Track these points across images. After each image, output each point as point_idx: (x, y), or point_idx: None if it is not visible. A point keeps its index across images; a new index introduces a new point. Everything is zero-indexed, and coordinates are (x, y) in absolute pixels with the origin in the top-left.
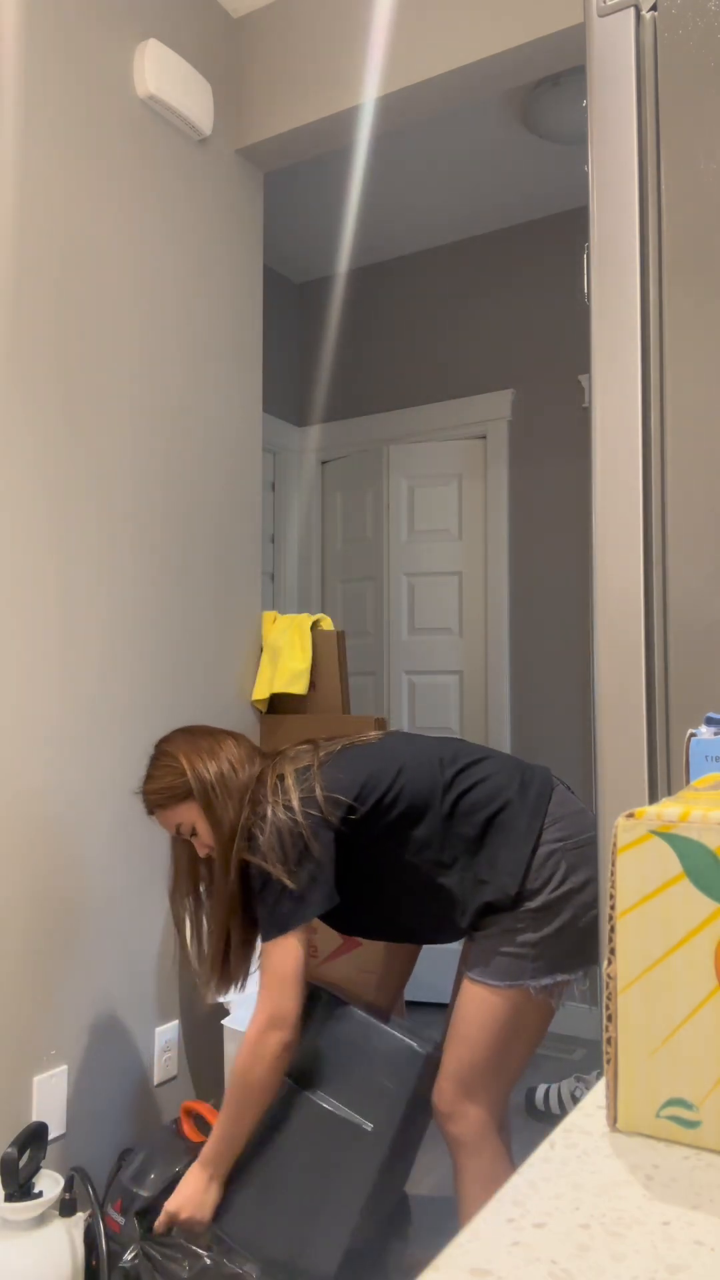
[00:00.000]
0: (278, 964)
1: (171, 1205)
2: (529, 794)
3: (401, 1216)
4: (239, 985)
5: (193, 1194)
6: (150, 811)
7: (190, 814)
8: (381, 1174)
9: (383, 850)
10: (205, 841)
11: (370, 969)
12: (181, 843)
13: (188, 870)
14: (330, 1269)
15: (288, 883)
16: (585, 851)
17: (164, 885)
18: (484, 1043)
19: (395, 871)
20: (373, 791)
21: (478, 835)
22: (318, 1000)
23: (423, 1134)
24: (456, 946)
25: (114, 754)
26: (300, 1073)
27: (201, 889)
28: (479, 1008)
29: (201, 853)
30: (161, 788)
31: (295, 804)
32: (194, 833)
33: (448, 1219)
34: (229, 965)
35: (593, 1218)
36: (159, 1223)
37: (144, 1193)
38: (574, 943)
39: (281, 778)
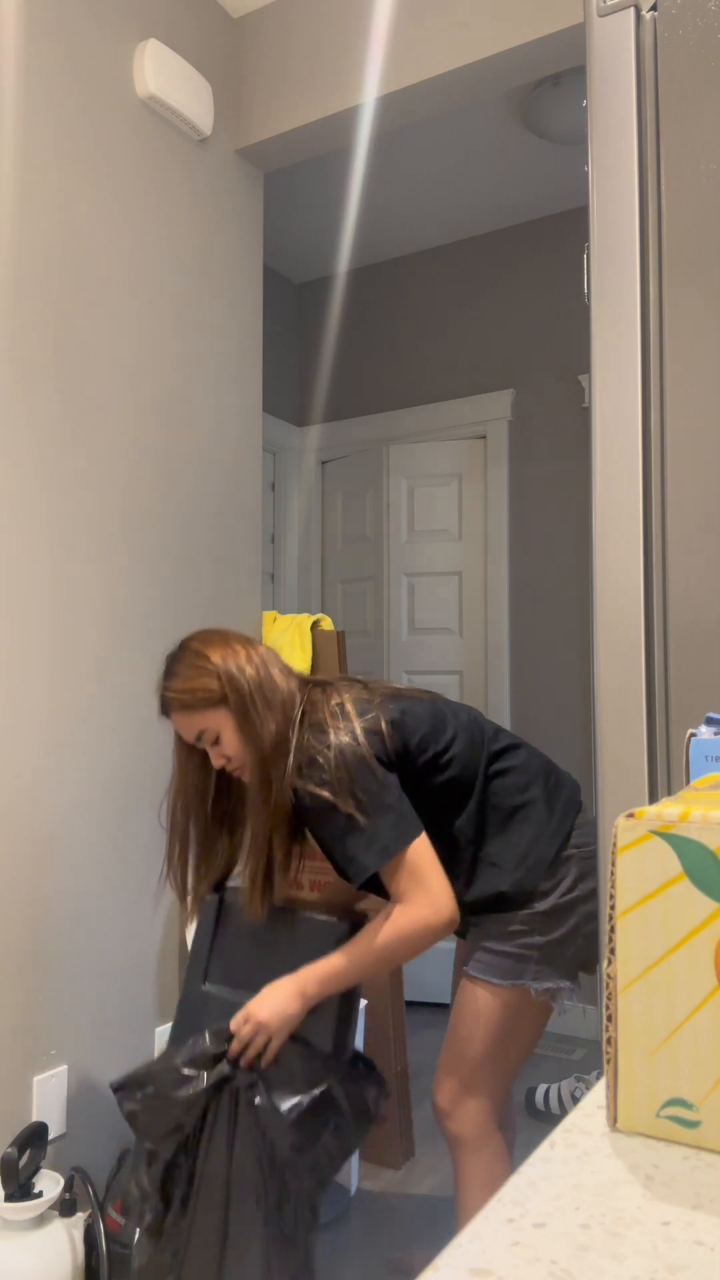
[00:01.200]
0: (405, 872)
1: (253, 1012)
2: (559, 796)
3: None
4: (268, 903)
5: (282, 1007)
6: (166, 712)
7: (218, 721)
8: (335, 1045)
9: (417, 807)
10: (228, 752)
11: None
12: (190, 751)
13: (196, 782)
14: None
15: (358, 815)
16: (595, 861)
17: (163, 883)
18: (482, 1040)
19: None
20: (430, 744)
21: (499, 821)
22: (232, 904)
23: (357, 1003)
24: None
25: (112, 753)
26: (232, 974)
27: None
28: (478, 1005)
29: (217, 764)
30: (190, 688)
31: (359, 733)
32: (216, 741)
33: (447, 1219)
34: (270, 881)
35: (593, 1218)
36: (232, 1025)
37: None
38: (577, 950)
39: (342, 705)
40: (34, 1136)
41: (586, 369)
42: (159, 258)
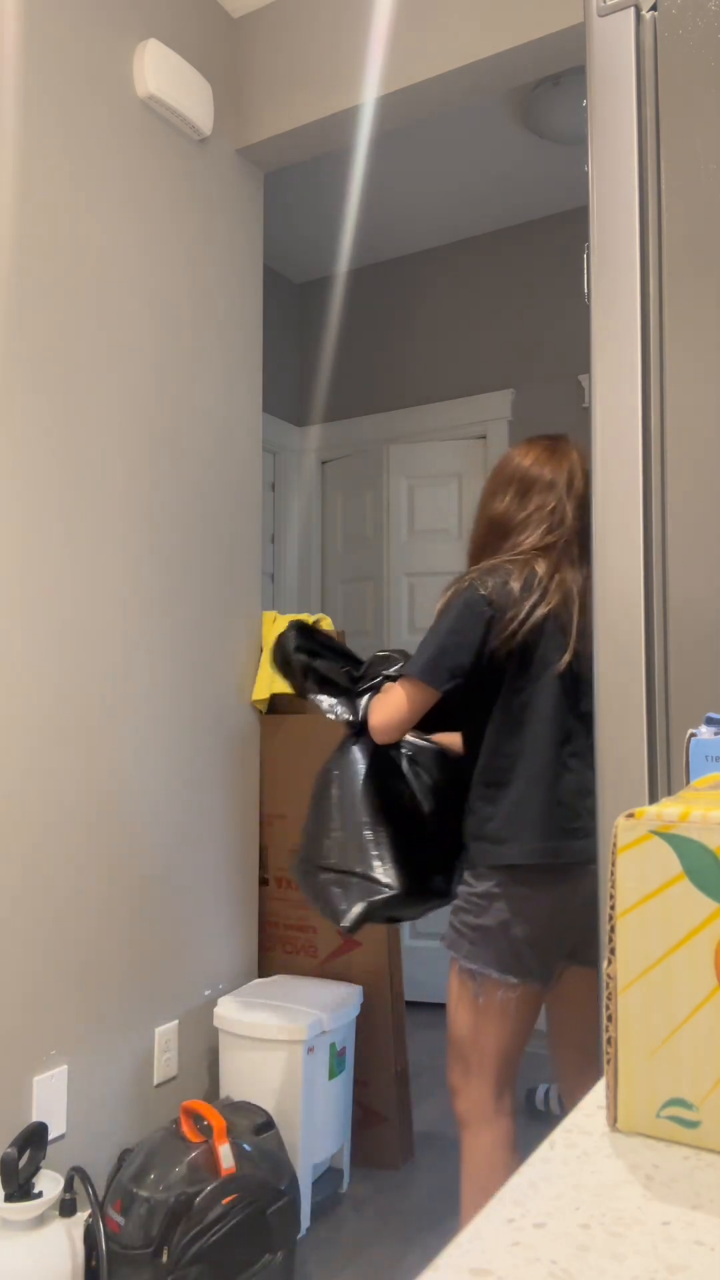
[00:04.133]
0: (398, 687)
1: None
2: (551, 824)
3: None
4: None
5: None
6: None
7: None
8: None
9: (470, 710)
10: None
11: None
12: None
13: None
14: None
15: (429, 634)
16: (546, 874)
17: (161, 883)
18: (456, 1014)
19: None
20: (522, 656)
21: (514, 795)
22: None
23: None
24: None
25: (112, 753)
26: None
27: None
28: (449, 978)
29: None
30: None
31: (480, 588)
32: None
33: (447, 1219)
34: None
35: (593, 1218)
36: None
37: (144, 1193)
38: (510, 947)
39: (496, 567)
40: (34, 1136)
41: (586, 369)
42: (159, 258)
